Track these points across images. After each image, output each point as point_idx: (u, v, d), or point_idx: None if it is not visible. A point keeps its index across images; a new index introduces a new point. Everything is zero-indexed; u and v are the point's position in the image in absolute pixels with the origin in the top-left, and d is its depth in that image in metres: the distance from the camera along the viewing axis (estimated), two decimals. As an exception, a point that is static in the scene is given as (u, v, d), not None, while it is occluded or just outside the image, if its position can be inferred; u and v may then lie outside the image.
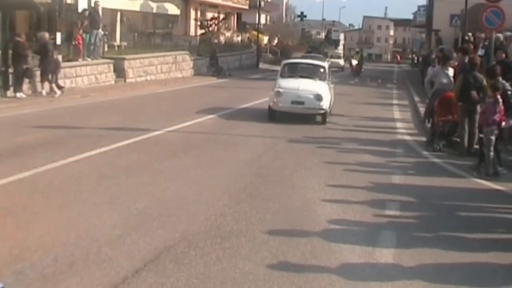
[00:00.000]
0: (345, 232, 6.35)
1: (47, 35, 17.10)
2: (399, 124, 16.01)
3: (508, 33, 14.98)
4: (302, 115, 14.49)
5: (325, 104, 14.40)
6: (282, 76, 15.38)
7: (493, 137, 9.45)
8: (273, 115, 14.57)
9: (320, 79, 15.25)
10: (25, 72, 16.33)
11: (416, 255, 5.75)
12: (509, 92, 10.53)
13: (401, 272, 5.36)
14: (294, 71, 15.85)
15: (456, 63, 13.18)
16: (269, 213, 6.84)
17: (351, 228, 6.49)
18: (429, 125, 12.84)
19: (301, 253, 5.57)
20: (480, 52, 15.64)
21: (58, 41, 18.07)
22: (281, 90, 14.40)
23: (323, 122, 14.53)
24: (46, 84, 17.07)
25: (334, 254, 5.62)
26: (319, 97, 14.25)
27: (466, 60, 12.47)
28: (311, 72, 15.71)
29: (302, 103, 14.27)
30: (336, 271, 5.26)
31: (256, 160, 9.84)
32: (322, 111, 14.48)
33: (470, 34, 19.14)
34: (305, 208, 7.16)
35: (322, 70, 15.89)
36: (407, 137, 13.67)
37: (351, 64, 43.31)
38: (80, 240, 5.53)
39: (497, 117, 9.45)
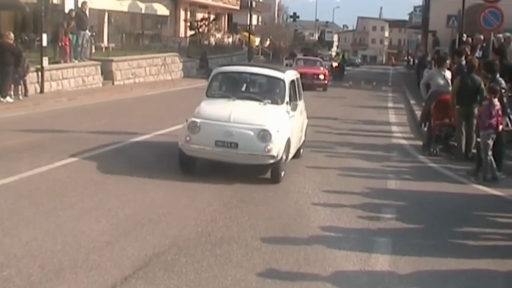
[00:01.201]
0: (340, 238, 6.38)
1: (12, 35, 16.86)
2: (394, 128, 16.08)
3: (508, 34, 15.09)
4: (235, 165, 8.82)
5: (277, 147, 8.43)
6: (210, 96, 9.50)
7: (490, 141, 9.51)
8: (186, 164, 8.83)
9: (274, 102, 9.26)
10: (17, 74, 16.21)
11: (413, 262, 5.78)
12: (503, 91, 10.59)
13: (397, 279, 5.39)
14: (231, 87, 9.93)
15: (455, 65, 13.26)
16: (262, 219, 6.86)
17: (346, 235, 6.51)
18: (425, 129, 12.90)
19: (295, 260, 5.59)
20: (478, 54, 15.74)
21: (44, 43, 18.01)
22: (198, 121, 8.60)
23: (275, 179, 8.65)
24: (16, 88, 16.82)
25: (328, 261, 5.64)
26: (264, 135, 8.40)
27: (463, 62, 12.56)
28: (259, 90, 10.07)
29: (234, 145, 8.45)
30: (330, 278, 5.28)
31: (248, 165, 9.82)
32: (271, 160, 8.47)
33: (465, 35, 19.25)
34: (298, 213, 7.19)
35: (278, 85, 9.56)
36: (403, 141, 13.73)
37: (331, 66, 39.86)
38: (68, 247, 5.52)
39: (493, 120, 9.50)
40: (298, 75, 10.86)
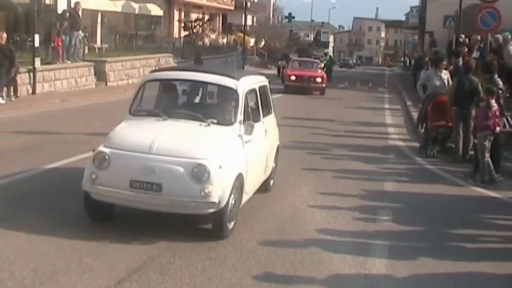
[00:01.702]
0: (336, 241, 6.39)
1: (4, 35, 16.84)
2: (391, 130, 16.10)
3: (507, 34, 15.16)
4: (160, 215, 6.41)
5: (219, 189, 6.05)
6: (134, 113, 7.03)
7: (487, 143, 9.54)
8: (96, 211, 6.42)
9: (222, 122, 6.80)
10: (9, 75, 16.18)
11: (410, 265, 5.80)
12: (500, 92, 10.64)
13: (394, 282, 5.41)
14: (164, 100, 7.49)
15: (451, 67, 13.30)
16: (257, 221, 6.86)
17: (342, 237, 6.52)
18: (422, 130, 12.93)
19: (290, 263, 5.60)
20: (475, 54, 15.79)
21: (36, 43, 17.97)
22: (108, 151, 6.28)
23: (218, 233, 6.25)
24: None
25: (324, 264, 5.66)
26: (199, 173, 6.01)
27: (460, 63, 12.60)
28: (202, 104, 7.65)
29: (156, 187, 6.03)
30: (326, 281, 5.29)
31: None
32: (211, 209, 6.06)
33: (463, 36, 19.32)
34: (294, 216, 7.19)
35: (229, 98, 7.10)
36: (400, 143, 13.76)
37: None
38: (61, 250, 5.52)
39: (490, 122, 9.53)
40: (266, 82, 8.32)
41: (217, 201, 5.98)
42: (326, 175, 9.66)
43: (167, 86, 7.53)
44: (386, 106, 22.97)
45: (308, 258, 5.77)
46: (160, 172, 5.98)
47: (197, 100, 7.78)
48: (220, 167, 6.04)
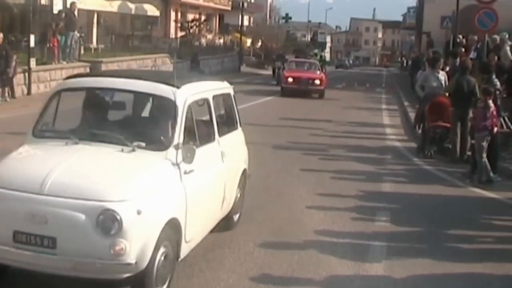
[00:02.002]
0: (334, 242, 6.37)
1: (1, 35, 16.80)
2: (388, 130, 16.11)
3: (504, 33, 15.19)
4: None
5: (136, 244, 4.31)
6: (38, 135, 5.42)
7: (484, 143, 9.54)
8: None
9: (151, 145, 5.04)
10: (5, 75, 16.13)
11: (408, 266, 5.78)
12: (498, 92, 10.64)
13: (392, 284, 5.40)
14: (79, 116, 6.09)
15: (448, 68, 13.31)
16: (254, 223, 6.83)
17: (340, 238, 6.50)
18: (419, 131, 12.93)
19: (288, 265, 5.58)
20: (472, 55, 15.81)
21: (32, 43, 17.93)
22: None
23: None
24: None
25: (322, 265, 5.64)
26: (106, 222, 4.25)
27: (458, 63, 12.60)
28: (127, 121, 5.96)
29: (48, 241, 4.28)
30: (324, 283, 5.28)
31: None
32: (125, 273, 4.33)
33: (461, 36, 19.35)
34: (291, 217, 7.17)
35: (163, 112, 5.42)
36: (397, 143, 13.76)
37: None
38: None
39: (488, 123, 9.53)
40: (227, 89, 6.73)
41: (133, 261, 4.26)
42: (324, 175, 9.64)
43: (87, 97, 5.89)
44: (384, 106, 22.99)
45: (306, 259, 5.75)
46: (53, 221, 4.24)
47: (122, 115, 5.96)
48: (139, 212, 4.30)
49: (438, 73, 12.16)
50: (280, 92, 24.25)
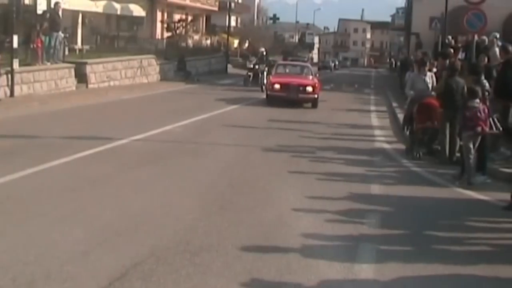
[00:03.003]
0: (323, 245, 6.37)
1: None
2: (377, 132, 16.16)
3: (495, 33, 15.30)
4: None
5: None
6: None
7: (470, 144, 9.61)
8: None
9: None
10: None
11: (398, 269, 5.79)
12: (487, 93, 10.71)
13: (382, 287, 5.40)
14: None
15: (435, 70, 13.39)
16: (242, 226, 6.83)
17: (329, 242, 6.51)
18: (407, 133, 12.99)
19: (276, 269, 5.57)
20: (461, 55, 15.93)
21: (15, 44, 17.82)
22: None
23: None
24: None
25: (311, 269, 5.63)
26: None
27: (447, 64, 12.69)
28: None
29: None
30: (313, 287, 5.27)
31: (228, 170, 9.82)
32: None
33: (450, 37, 19.48)
34: (280, 220, 7.17)
35: None
36: (386, 145, 13.81)
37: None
38: (40, 258, 5.44)
39: (473, 122, 9.59)
40: None
41: None
42: (312, 178, 9.66)
43: None
44: (372, 108, 23.06)
45: (295, 263, 5.74)
46: None
47: None
48: None
49: (425, 75, 12.26)
50: (266, 101, 21.32)
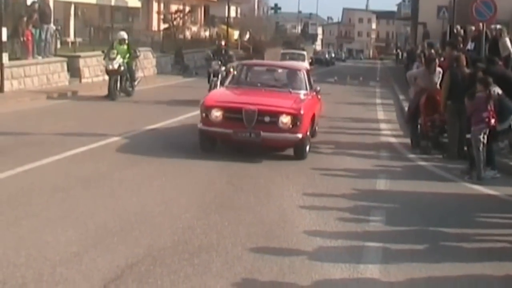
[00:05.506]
0: (326, 244, 6.37)
1: None
2: (383, 125, 16.16)
3: (499, 26, 15.27)
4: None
5: None
6: None
7: (481, 137, 9.59)
8: None
9: None
10: None
11: (404, 268, 5.79)
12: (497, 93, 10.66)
13: (388, 287, 5.39)
14: None
15: (443, 59, 13.35)
16: (243, 225, 6.82)
17: (333, 240, 6.50)
18: (414, 126, 12.95)
19: (279, 268, 5.57)
20: (470, 46, 15.89)
21: (4, 37, 17.78)
22: None
23: None
24: None
25: (314, 268, 5.63)
26: None
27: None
28: None
29: None
30: (317, 287, 5.27)
31: (227, 167, 9.80)
32: None
33: (459, 27, 19.42)
34: (282, 218, 7.16)
35: None
36: (392, 139, 13.80)
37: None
38: (32, 260, 5.43)
39: (486, 114, 9.56)
40: None
41: None
42: (315, 174, 9.65)
43: None
44: (378, 101, 23.06)
45: (298, 262, 5.74)
46: None
47: None
48: None
49: (433, 74, 12.19)
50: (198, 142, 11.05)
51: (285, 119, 10.39)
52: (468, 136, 10.22)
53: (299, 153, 10.77)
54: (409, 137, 12.90)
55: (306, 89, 12.01)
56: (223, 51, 20.11)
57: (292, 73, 13.00)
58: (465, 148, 10.87)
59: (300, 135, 10.44)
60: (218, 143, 11.09)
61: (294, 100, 11.11)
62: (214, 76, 18.16)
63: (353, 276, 5.54)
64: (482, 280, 5.69)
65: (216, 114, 10.48)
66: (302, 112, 10.54)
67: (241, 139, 10.46)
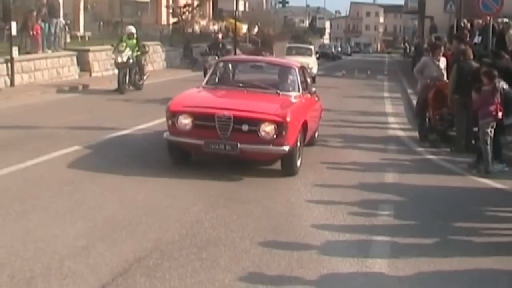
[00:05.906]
0: (335, 238, 6.32)
1: None
2: (391, 119, 16.09)
3: (506, 20, 15.15)
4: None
5: None
6: None
7: (489, 130, 9.50)
8: None
9: None
10: None
11: (413, 262, 5.74)
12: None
13: (397, 281, 5.35)
14: None
15: (450, 52, 13.24)
16: (251, 218, 6.78)
17: (341, 234, 6.45)
18: (421, 120, 12.88)
19: (287, 263, 5.53)
20: (477, 39, 15.76)
21: (14, 31, 17.79)
22: None
23: None
24: None
25: (322, 262, 5.59)
26: None
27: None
28: None
29: None
30: (325, 281, 5.23)
31: (234, 160, 9.73)
32: None
33: (465, 20, 19.27)
34: (290, 212, 7.12)
35: None
36: (400, 133, 13.74)
37: None
38: (40, 253, 5.41)
39: (493, 107, 9.48)
40: None
41: None
42: (323, 167, 9.60)
43: None
44: (386, 94, 22.98)
45: (306, 256, 5.70)
46: None
47: None
48: None
49: (438, 60, 12.13)
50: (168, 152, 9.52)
51: (267, 128, 8.35)
52: (475, 129, 10.14)
53: (287, 168, 8.84)
54: (417, 130, 12.82)
55: (299, 90, 9.78)
56: (220, 45, 19.04)
57: (283, 70, 10.62)
58: (473, 142, 10.82)
59: (286, 148, 8.42)
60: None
61: (281, 104, 8.99)
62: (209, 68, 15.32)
63: (361, 270, 5.49)
64: (490, 274, 5.64)
65: (184, 121, 8.63)
66: (288, 119, 8.40)
67: (214, 152, 8.55)
